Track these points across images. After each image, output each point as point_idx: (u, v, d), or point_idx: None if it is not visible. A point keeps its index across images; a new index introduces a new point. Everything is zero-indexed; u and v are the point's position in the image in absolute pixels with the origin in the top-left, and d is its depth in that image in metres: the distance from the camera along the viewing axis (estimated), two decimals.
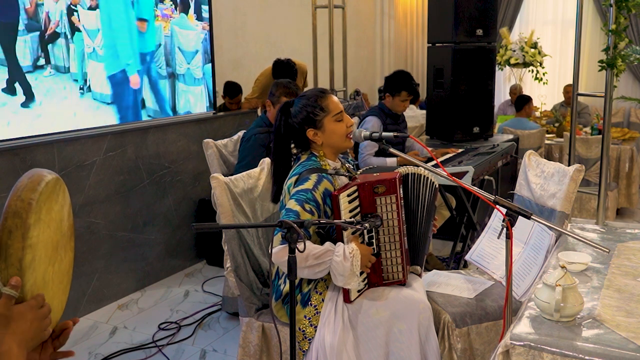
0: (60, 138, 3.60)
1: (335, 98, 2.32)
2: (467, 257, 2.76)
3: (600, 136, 4.29)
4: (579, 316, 1.73)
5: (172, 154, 4.39)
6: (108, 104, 4.04)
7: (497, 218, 2.74)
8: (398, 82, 4.03)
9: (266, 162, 2.77)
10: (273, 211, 2.71)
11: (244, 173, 2.64)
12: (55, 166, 3.53)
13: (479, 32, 4.62)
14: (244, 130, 3.76)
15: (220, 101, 5.39)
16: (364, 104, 6.79)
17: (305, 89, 5.46)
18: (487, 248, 2.70)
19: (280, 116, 2.33)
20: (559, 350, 1.58)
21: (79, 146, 3.69)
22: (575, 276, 1.89)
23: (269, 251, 2.12)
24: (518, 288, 2.36)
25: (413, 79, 4.14)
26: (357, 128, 2.35)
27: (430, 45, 4.81)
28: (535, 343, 1.61)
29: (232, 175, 2.58)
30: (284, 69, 4.92)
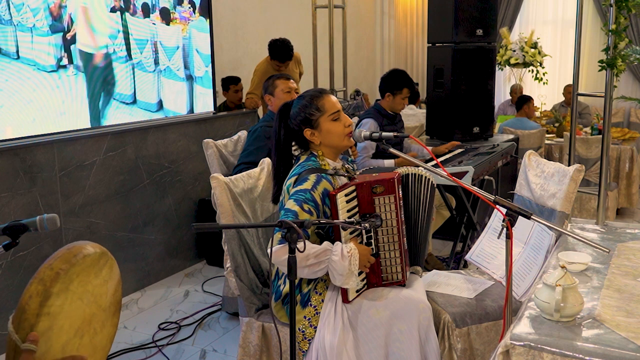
0: (60, 138, 3.60)
1: (332, 98, 2.31)
2: (467, 257, 2.76)
3: (600, 136, 4.29)
4: (579, 316, 1.73)
5: (172, 154, 4.39)
6: (128, 104, 4.15)
7: (497, 218, 2.74)
8: (398, 80, 4.03)
9: (266, 162, 2.77)
10: (273, 211, 2.71)
11: (244, 173, 2.64)
12: (55, 166, 3.53)
13: (479, 32, 4.62)
14: (244, 130, 3.76)
15: (220, 101, 5.40)
16: (364, 104, 6.78)
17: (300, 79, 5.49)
18: (487, 248, 2.70)
19: (279, 117, 2.34)
20: (559, 350, 1.58)
21: (79, 146, 3.69)
22: (575, 276, 1.89)
23: (269, 250, 2.12)
24: (518, 288, 2.36)
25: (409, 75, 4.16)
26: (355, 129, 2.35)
27: (430, 45, 4.81)
28: (535, 343, 1.61)
29: (232, 175, 2.58)
30: (280, 48, 4.91)
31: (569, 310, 1.70)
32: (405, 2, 8.91)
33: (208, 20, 4.68)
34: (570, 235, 2.02)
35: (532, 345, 1.61)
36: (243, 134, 3.83)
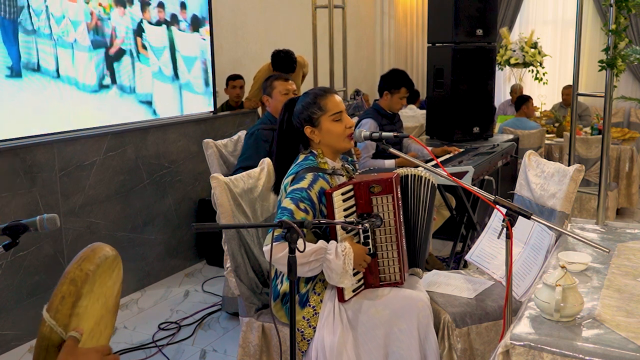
0: (60, 138, 3.60)
1: (337, 98, 2.31)
2: (467, 257, 2.76)
3: (600, 136, 4.29)
4: (579, 316, 1.73)
5: (172, 154, 4.39)
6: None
7: (497, 218, 2.74)
8: (397, 79, 4.04)
9: (266, 162, 2.77)
10: (273, 211, 2.70)
11: (244, 173, 2.64)
12: (55, 166, 3.53)
13: (479, 32, 4.62)
14: (244, 130, 3.76)
15: (220, 101, 5.40)
16: (364, 104, 6.79)
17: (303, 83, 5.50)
18: (487, 248, 2.70)
19: (284, 112, 2.35)
20: (559, 350, 1.58)
21: (79, 146, 3.69)
22: (575, 276, 1.88)
23: (265, 248, 2.12)
24: (518, 288, 2.36)
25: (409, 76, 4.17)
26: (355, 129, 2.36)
27: (430, 45, 4.81)
28: (535, 343, 1.61)
29: (232, 175, 2.58)
30: (284, 60, 4.90)
31: (569, 310, 1.70)
32: (405, 2, 8.91)
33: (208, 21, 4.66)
34: (570, 235, 2.02)
35: (532, 345, 1.61)
36: (243, 133, 3.83)
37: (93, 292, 1.19)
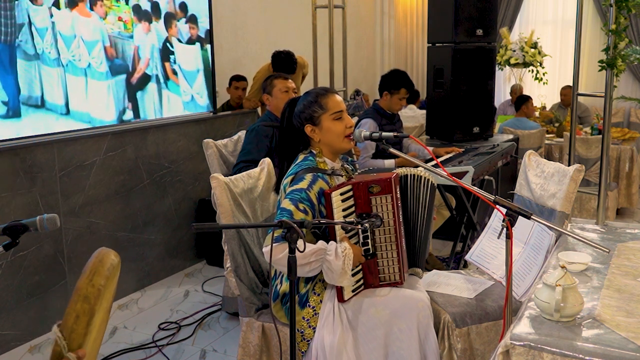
0: (60, 138, 3.60)
1: (337, 97, 2.32)
2: (467, 257, 2.76)
3: (600, 136, 4.29)
4: (579, 316, 1.73)
5: (172, 154, 4.39)
6: None
7: (497, 218, 2.74)
8: (397, 80, 4.04)
9: (266, 162, 2.77)
10: (273, 211, 2.71)
11: (244, 173, 2.64)
12: (55, 166, 3.53)
13: (479, 32, 4.62)
14: (244, 130, 3.77)
15: (220, 101, 5.39)
16: (364, 104, 6.78)
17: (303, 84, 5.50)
18: (487, 248, 2.70)
19: (285, 111, 2.36)
20: (559, 350, 1.58)
21: (79, 146, 3.69)
22: (575, 276, 1.88)
23: (264, 249, 2.13)
24: (518, 288, 2.36)
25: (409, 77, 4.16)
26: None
27: (430, 45, 4.81)
28: (535, 343, 1.61)
29: (231, 174, 2.58)
30: (284, 61, 4.92)
31: (569, 310, 1.70)
32: (405, 2, 8.91)
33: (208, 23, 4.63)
34: (570, 235, 2.02)
35: (532, 345, 1.61)
36: (243, 133, 3.83)
37: (102, 305, 1.19)
